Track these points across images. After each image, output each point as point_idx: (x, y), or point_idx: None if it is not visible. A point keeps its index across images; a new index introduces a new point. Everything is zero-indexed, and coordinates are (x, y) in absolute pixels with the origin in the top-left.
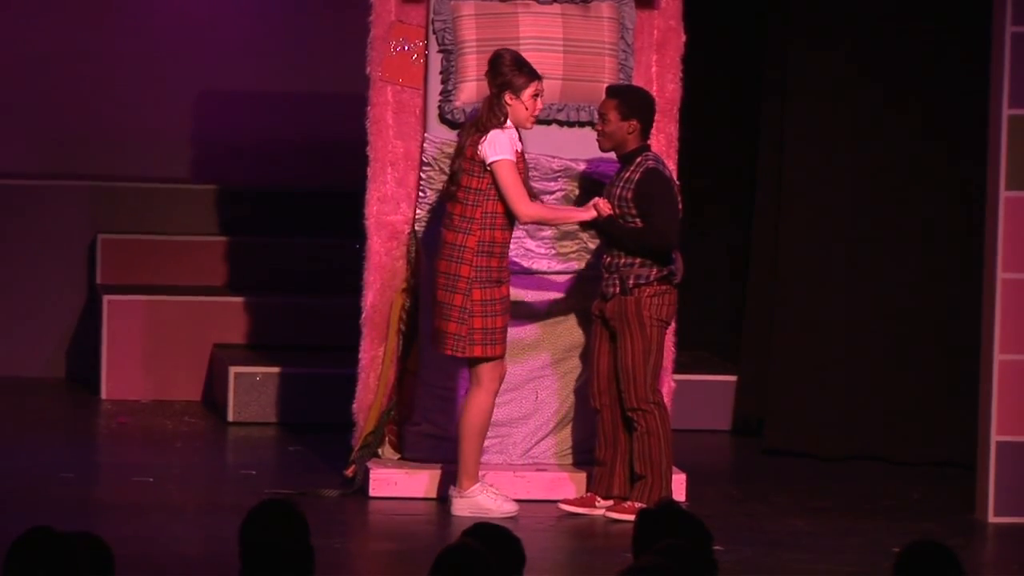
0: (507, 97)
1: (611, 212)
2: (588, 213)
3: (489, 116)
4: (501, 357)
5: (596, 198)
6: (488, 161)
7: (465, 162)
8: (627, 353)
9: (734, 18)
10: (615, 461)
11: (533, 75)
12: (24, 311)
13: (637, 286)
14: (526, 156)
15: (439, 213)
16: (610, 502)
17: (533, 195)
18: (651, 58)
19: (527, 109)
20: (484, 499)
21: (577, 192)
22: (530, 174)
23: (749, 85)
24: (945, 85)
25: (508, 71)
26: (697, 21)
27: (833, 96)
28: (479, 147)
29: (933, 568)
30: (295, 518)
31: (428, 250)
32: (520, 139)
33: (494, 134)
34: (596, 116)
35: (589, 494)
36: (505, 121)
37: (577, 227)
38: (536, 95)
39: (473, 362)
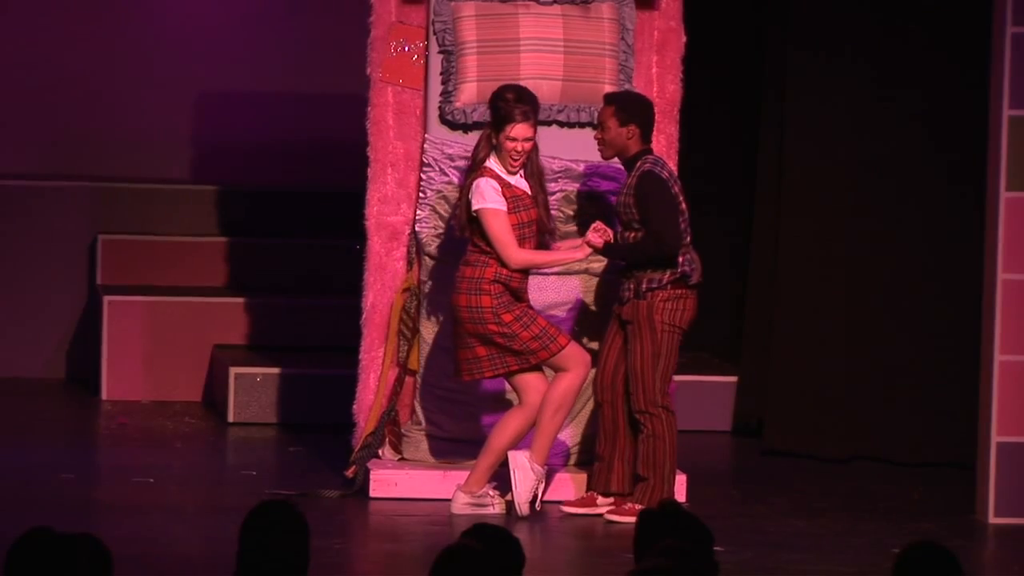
0: (491, 135)
1: (602, 241)
2: (582, 252)
3: (476, 151)
4: (568, 344)
5: (589, 233)
6: (472, 209)
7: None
8: (637, 356)
9: (734, 19)
10: (613, 457)
11: (519, 117)
12: (24, 311)
13: (650, 290)
14: (545, 187)
15: (439, 214)
16: (610, 499)
17: (551, 231)
18: (651, 59)
19: (504, 151)
20: (531, 482)
21: (576, 193)
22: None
23: (749, 85)
24: (945, 85)
25: (496, 107)
26: (697, 22)
27: (833, 96)
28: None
29: (933, 569)
30: (295, 519)
31: (432, 255)
32: (526, 175)
33: (477, 183)
34: (596, 118)
35: (589, 494)
36: (486, 159)
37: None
38: (513, 139)
39: (547, 361)
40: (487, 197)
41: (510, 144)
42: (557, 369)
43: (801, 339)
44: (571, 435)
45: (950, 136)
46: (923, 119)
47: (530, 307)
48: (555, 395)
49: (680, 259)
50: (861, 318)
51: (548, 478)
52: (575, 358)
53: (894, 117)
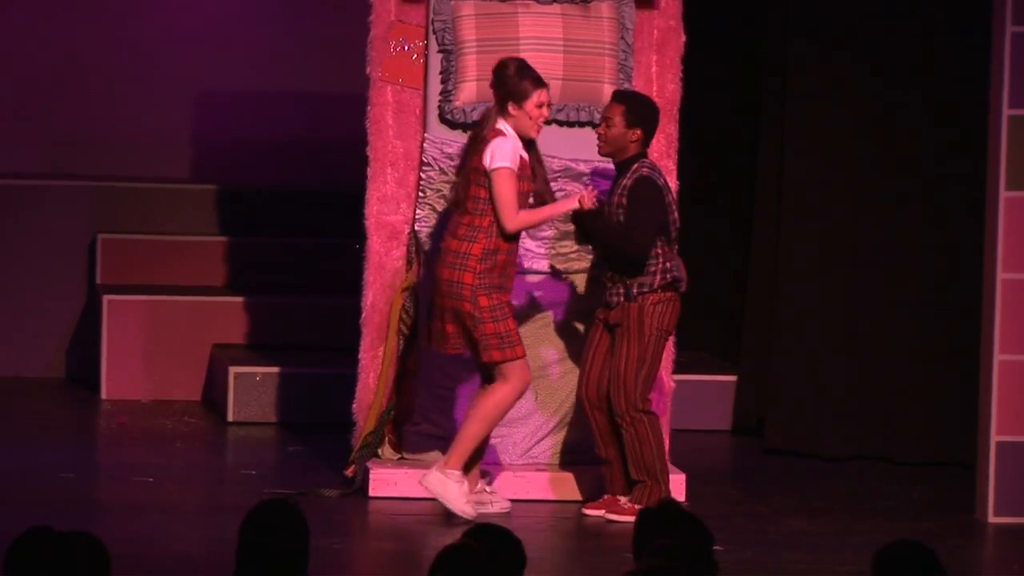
0: (511, 107)
1: (593, 205)
2: (572, 201)
3: (483, 125)
4: (522, 357)
5: (582, 190)
6: (489, 168)
7: (472, 172)
8: (622, 358)
9: (734, 18)
10: (619, 457)
11: (538, 83)
12: (24, 311)
13: (641, 293)
14: (543, 161)
15: (440, 214)
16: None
17: (546, 197)
18: (651, 58)
19: (531, 119)
20: (454, 489)
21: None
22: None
23: (749, 85)
24: (945, 85)
25: (511, 80)
26: (697, 21)
27: (833, 96)
28: (483, 155)
29: (912, 568)
30: (295, 518)
31: (428, 251)
32: (524, 148)
33: (498, 141)
34: (597, 117)
35: (608, 496)
36: (507, 130)
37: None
38: (540, 105)
39: (495, 365)
40: (507, 157)
41: (537, 111)
42: (497, 376)
43: (801, 339)
44: (563, 436)
45: (950, 135)
46: (923, 118)
47: (510, 304)
48: (487, 405)
49: (668, 265)
50: (861, 317)
51: (540, 474)
52: (519, 373)
53: (894, 116)
